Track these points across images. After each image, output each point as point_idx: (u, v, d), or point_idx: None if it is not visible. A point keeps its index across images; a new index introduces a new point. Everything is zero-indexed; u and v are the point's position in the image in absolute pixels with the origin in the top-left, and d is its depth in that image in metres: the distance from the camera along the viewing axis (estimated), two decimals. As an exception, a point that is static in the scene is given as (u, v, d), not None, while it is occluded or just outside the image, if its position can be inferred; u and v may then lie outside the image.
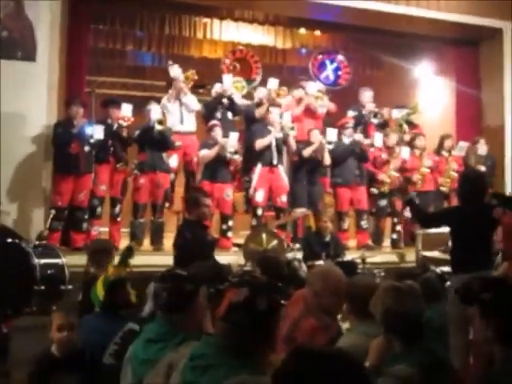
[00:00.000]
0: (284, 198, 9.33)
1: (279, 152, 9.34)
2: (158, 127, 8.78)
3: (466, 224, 5.58)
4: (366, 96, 10.70)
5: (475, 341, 3.02)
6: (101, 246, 6.11)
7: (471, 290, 2.93)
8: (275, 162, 9.28)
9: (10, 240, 6.50)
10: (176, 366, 2.82)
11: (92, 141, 8.41)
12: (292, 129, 9.35)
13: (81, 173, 8.44)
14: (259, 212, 9.24)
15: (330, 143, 9.63)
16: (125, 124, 8.68)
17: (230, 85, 10.09)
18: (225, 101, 9.88)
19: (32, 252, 6.19)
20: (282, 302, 2.76)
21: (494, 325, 2.77)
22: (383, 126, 10.76)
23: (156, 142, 8.87)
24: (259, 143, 9.22)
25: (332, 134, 9.69)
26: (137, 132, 8.91)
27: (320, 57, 11.99)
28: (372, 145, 10.01)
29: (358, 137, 9.89)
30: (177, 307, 3.18)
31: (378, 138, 10.00)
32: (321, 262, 7.53)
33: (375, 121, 10.61)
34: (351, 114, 10.55)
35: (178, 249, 6.41)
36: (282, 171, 9.43)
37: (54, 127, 8.42)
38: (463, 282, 4.12)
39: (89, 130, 8.38)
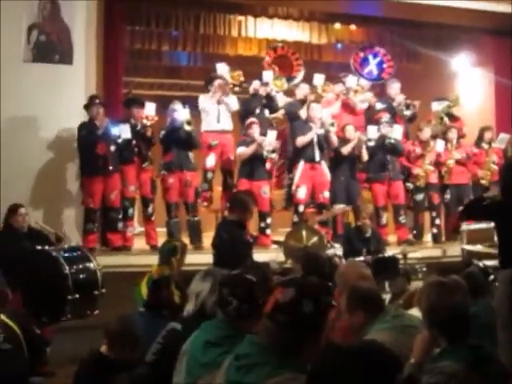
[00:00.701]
0: (326, 194, 9.29)
1: (321, 148, 9.28)
2: (187, 128, 8.77)
3: (510, 217, 5.44)
4: (394, 88, 10.59)
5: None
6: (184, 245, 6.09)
7: None
8: (318, 158, 9.23)
9: (39, 247, 6.52)
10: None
11: (119, 140, 8.43)
12: (332, 125, 9.29)
13: (109, 173, 8.45)
14: (301, 209, 9.23)
15: (370, 140, 9.55)
16: (149, 123, 8.69)
17: (271, 82, 10.05)
18: (263, 98, 9.85)
19: (63, 260, 6.15)
20: (332, 303, 2.70)
21: None
22: (411, 120, 10.62)
23: (183, 141, 8.88)
24: (300, 140, 9.20)
25: (373, 131, 9.61)
26: (162, 132, 8.93)
27: (362, 54, 11.84)
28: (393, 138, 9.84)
29: (386, 130, 9.75)
30: (247, 315, 3.14)
31: (397, 131, 9.83)
32: (361, 258, 7.49)
33: (408, 113, 10.44)
34: (379, 106, 10.45)
35: (216, 249, 6.42)
36: (325, 167, 9.37)
37: (78, 130, 8.39)
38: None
39: (115, 130, 8.40)
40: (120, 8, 9.80)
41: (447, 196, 10.05)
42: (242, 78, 10.03)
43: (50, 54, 8.68)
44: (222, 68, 9.73)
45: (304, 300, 2.51)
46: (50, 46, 8.69)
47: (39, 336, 5.16)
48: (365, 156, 9.50)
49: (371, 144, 9.57)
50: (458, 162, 10.06)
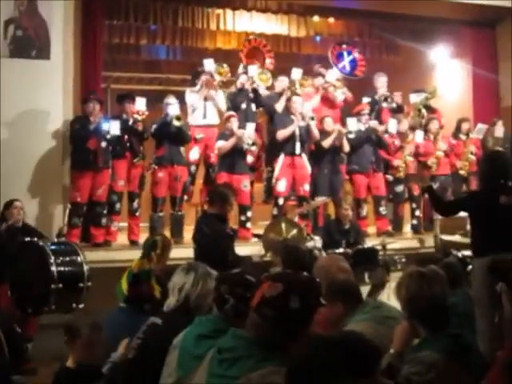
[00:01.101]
0: (307, 187, 9.29)
1: (302, 141, 9.28)
2: (176, 123, 8.77)
3: (487, 206, 5.50)
4: (380, 81, 10.60)
5: (505, 321, 2.97)
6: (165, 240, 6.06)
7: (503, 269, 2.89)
8: (298, 151, 9.23)
9: (27, 239, 6.52)
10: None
11: (109, 136, 8.41)
12: (312, 118, 9.31)
13: (99, 168, 8.45)
14: (281, 202, 9.23)
15: (350, 133, 9.59)
16: (140, 118, 8.67)
17: (256, 76, 10.04)
18: (250, 93, 9.85)
19: (49, 250, 6.18)
20: (321, 300, 2.69)
21: None
22: (397, 111, 10.68)
23: (174, 136, 8.88)
24: (281, 133, 9.19)
25: (352, 123, 9.63)
26: (154, 126, 8.91)
27: (338, 47, 11.89)
28: (386, 131, 9.93)
29: (373, 123, 9.82)
30: (243, 314, 3.14)
31: (392, 124, 9.92)
32: (341, 250, 7.53)
33: (385, 105, 10.49)
34: (365, 100, 10.48)
35: (197, 243, 6.42)
36: (306, 160, 9.37)
37: (71, 124, 8.46)
38: (488, 263, 4.09)
39: (105, 126, 8.39)
40: (98, 2, 9.72)
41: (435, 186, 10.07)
42: (229, 74, 9.99)
43: (28, 49, 8.61)
44: (209, 64, 9.71)
45: (292, 296, 2.51)
46: (27, 41, 8.61)
47: (19, 334, 5.14)
48: (346, 147, 9.51)
49: (351, 136, 9.59)
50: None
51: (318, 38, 12.44)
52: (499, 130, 10.29)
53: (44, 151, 8.57)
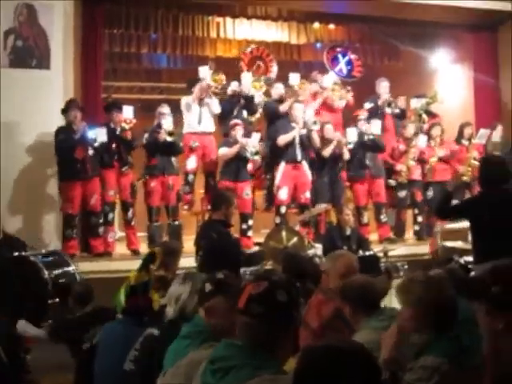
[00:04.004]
0: (308, 195, 9.31)
1: (303, 148, 9.29)
2: (169, 139, 8.77)
3: (488, 211, 5.47)
4: (383, 86, 10.62)
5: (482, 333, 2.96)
6: (170, 248, 6.04)
7: (481, 284, 2.87)
8: (299, 158, 9.24)
9: (17, 254, 6.49)
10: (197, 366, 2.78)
11: (96, 144, 8.36)
12: (315, 123, 9.31)
13: (88, 177, 8.43)
14: (283, 210, 9.23)
15: (349, 143, 9.56)
16: (127, 127, 8.66)
17: (249, 83, 10.05)
18: (241, 99, 9.85)
19: (42, 265, 6.14)
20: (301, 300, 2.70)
21: (504, 318, 2.70)
22: (401, 116, 10.67)
23: (166, 149, 8.89)
24: (282, 139, 9.19)
25: (352, 133, 9.60)
26: (145, 136, 8.91)
27: (332, 50, 11.92)
28: (371, 134, 9.85)
29: (365, 128, 9.77)
30: None
31: (375, 126, 9.83)
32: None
33: (389, 110, 10.51)
34: (368, 105, 10.46)
35: (204, 250, 6.39)
36: (306, 167, 9.38)
37: (55, 135, 8.30)
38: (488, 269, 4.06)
39: (91, 134, 8.33)
40: (98, 11, 9.73)
41: (429, 193, 10.07)
42: (225, 82, 10.00)
43: (27, 58, 8.63)
44: (204, 71, 9.71)
45: (278, 290, 2.50)
46: (27, 50, 8.64)
47: (18, 344, 5.14)
48: (346, 155, 9.50)
49: (351, 146, 9.57)
50: (440, 160, 10.11)
51: (318, 45, 12.42)
52: (496, 135, 10.25)
53: (43, 162, 8.56)
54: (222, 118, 9.79)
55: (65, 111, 8.41)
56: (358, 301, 3.71)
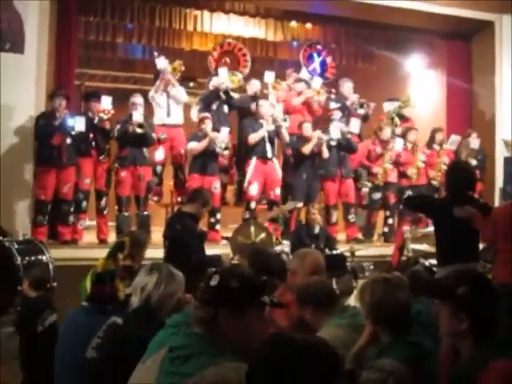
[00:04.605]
0: (278, 191, 9.35)
1: (272, 144, 9.32)
2: (139, 131, 8.74)
3: (452, 216, 5.55)
4: (347, 87, 10.69)
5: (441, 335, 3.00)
6: (137, 239, 6.00)
7: (446, 285, 2.90)
8: (269, 155, 9.27)
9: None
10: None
11: (73, 133, 8.34)
12: (285, 120, 9.35)
13: (63, 165, 8.40)
14: (252, 205, 9.26)
15: (331, 139, 9.59)
16: (105, 117, 8.64)
17: (226, 78, 10.05)
18: (222, 94, 9.85)
19: (15, 250, 6.11)
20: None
21: (467, 320, 2.74)
22: (365, 119, 10.74)
23: (137, 140, 8.87)
24: (252, 138, 9.21)
25: (335, 131, 9.63)
26: (117, 127, 8.86)
27: (309, 48, 12.00)
28: (350, 132, 9.92)
29: (341, 127, 9.81)
30: None
31: (354, 125, 9.94)
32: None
33: (362, 111, 10.57)
34: (333, 105, 10.50)
35: (169, 240, 6.41)
36: (277, 164, 9.42)
37: (37, 120, 8.37)
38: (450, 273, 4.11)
39: (70, 122, 8.31)
40: (74, -2, 9.66)
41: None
42: (183, 68, 9.94)
43: (1, 42, 8.49)
44: (161, 62, 9.69)
45: (231, 279, 2.62)
46: (0, 33, 8.50)
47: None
48: (325, 153, 9.52)
49: (333, 144, 9.61)
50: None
51: (294, 43, 12.48)
52: (474, 142, 10.38)
53: (14, 146, 8.46)
54: (202, 112, 9.77)
55: (51, 97, 8.44)
56: (316, 302, 3.74)
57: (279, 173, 9.38)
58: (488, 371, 2.58)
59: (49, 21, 8.94)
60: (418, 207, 6.55)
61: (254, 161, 9.23)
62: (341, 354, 3.27)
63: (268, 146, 9.22)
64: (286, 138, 9.45)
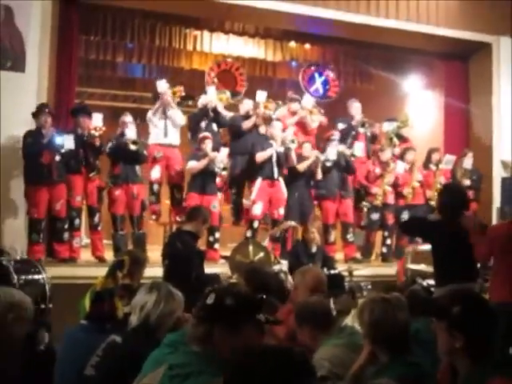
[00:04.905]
0: (281, 211, 9.38)
1: (279, 166, 9.36)
2: (133, 147, 8.76)
3: (446, 237, 5.59)
4: (355, 107, 10.72)
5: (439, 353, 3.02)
6: (136, 257, 6.00)
7: (442, 304, 2.93)
8: (276, 175, 9.32)
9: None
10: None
11: (63, 151, 8.28)
12: (293, 141, 9.39)
13: (54, 182, 8.34)
14: (255, 225, 9.28)
15: (328, 160, 9.63)
16: (97, 134, 8.61)
17: (214, 96, 10.08)
18: (210, 112, 9.88)
19: (12, 269, 6.10)
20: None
21: (462, 339, 2.77)
22: (373, 140, 10.80)
23: (129, 157, 8.88)
24: (260, 156, 9.26)
25: (332, 152, 9.67)
26: (109, 145, 8.87)
27: (309, 69, 12.06)
28: (353, 155, 9.99)
29: (342, 148, 9.91)
30: None
31: (358, 148, 10.02)
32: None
33: (362, 130, 10.61)
34: (341, 126, 10.57)
35: (168, 259, 6.42)
36: (283, 184, 9.45)
37: (24, 138, 8.22)
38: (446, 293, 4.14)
39: (59, 140, 8.23)
40: (75, 17, 9.67)
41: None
42: (184, 94, 10.00)
43: (2, 60, 8.53)
44: (162, 85, 9.73)
45: (226, 297, 2.70)
46: (2, 52, 8.53)
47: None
48: (319, 174, 9.57)
49: (329, 164, 9.65)
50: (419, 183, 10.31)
51: (293, 63, 12.54)
52: (467, 162, 10.44)
53: (15, 165, 8.46)
54: (192, 131, 9.84)
55: (35, 115, 8.33)
56: (313, 322, 3.76)
57: (284, 192, 9.42)
58: None
59: (50, 39, 8.97)
60: (413, 232, 6.60)
61: (259, 181, 9.29)
62: (339, 373, 3.32)
63: (275, 167, 9.27)
64: (294, 161, 9.47)
